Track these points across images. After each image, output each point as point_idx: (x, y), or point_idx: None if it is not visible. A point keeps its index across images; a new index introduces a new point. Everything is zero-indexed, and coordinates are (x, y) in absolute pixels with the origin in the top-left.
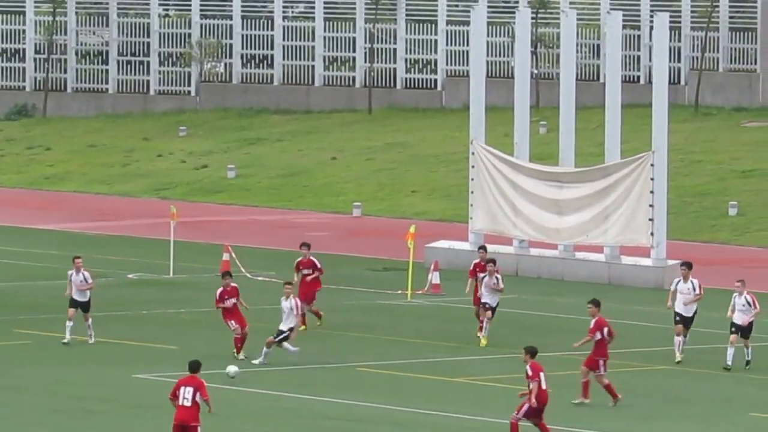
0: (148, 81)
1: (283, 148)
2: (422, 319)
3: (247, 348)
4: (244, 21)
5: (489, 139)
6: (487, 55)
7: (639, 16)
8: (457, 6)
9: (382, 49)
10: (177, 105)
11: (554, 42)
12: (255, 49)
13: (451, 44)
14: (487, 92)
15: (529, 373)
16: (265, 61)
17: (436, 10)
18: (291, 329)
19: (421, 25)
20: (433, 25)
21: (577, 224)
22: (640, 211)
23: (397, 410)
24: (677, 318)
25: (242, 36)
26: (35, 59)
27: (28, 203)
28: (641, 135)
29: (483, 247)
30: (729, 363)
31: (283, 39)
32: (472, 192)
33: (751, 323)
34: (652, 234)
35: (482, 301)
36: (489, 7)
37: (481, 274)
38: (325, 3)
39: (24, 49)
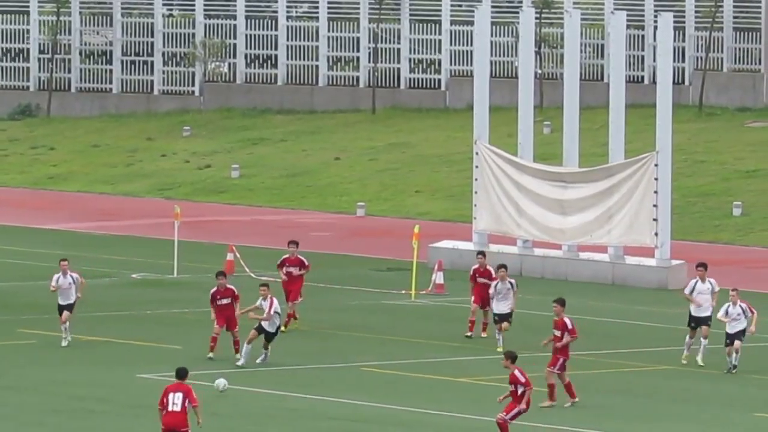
0: (151, 81)
1: (287, 148)
2: (426, 319)
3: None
4: (248, 21)
5: (492, 139)
6: (491, 55)
7: (643, 16)
8: (460, 6)
9: (385, 49)
10: (181, 105)
11: (558, 42)
12: (259, 49)
13: (455, 44)
14: (490, 92)
15: (522, 379)
16: (269, 61)
17: (439, 10)
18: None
19: (424, 25)
20: (437, 25)
21: (581, 224)
22: (644, 212)
23: (401, 410)
24: (692, 324)
25: (246, 36)
26: (39, 59)
27: (31, 203)
28: (645, 135)
29: (482, 253)
30: (734, 365)
31: (287, 39)
32: (475, 192)
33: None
34: (656, 234)
35: (494, 312)
36: (493, 7)
37: (481, 279)
38: (328, 3)
39: (28, 49)
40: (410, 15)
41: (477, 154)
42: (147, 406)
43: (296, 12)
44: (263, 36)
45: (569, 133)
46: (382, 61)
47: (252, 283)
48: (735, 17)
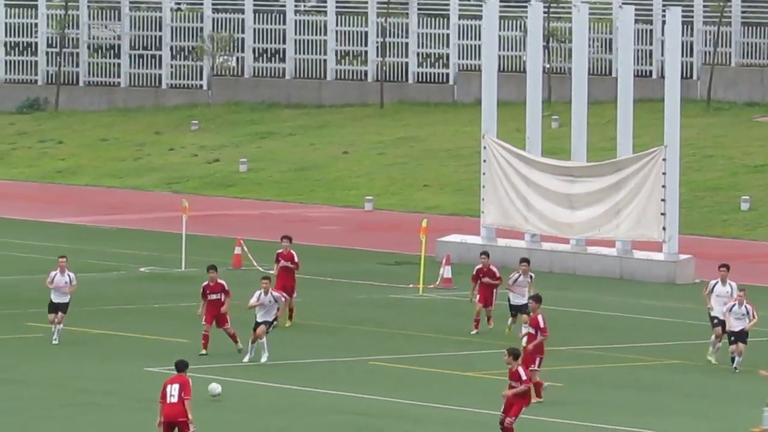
0: (159, 75)
1: (295, 143)
2: (433, 313)
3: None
4: (256, 15)
5: (500, 134)
6: (499, 50)
7: (651, 10)
8: (469, 0)
9: (394, 43)
10: (189, 99)
11: (566, 36)
12: (267, 43)
13: (463, 38)
14: (498, 87)
15: (523, 377)
16: (277, 55)
17: (448, 5)
18: (270, 322)
19: (433, 19)
20: (445, 20)
21: (589, 219)
22: (652, 206)
23: (409, 404)
24: (715, 321)
25: (254, 30)
26: (47, 53)
27: (39, 197)
28: (653, 130)
29: (485, 253)
30: (735, 368)
31: (295, 33)
32: (483, 186)
33: (746, 332)
34: (664, 228)
35: (512, 303)
36: (501, 1)
37: (485, 279)
38: None
39: (36, 43)
40: (418, 9)
41: (485, 148)
42: (155, 399)
43: (304, 6)
44: (271, 30)
45: (577, 128)
46: (390, 56)
47: (259, 277)
48: (743, 12)
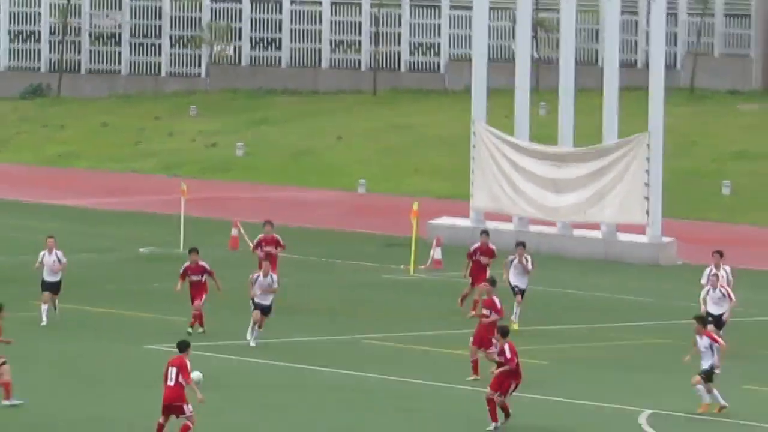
0: (159, 63)
1: (290, 129)
2: (424, 293)
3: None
4: (253, 5)
5: (490, 121)
6: (489, 39)
7: (637, 1)
8: None
9: (386, 32)
10: (187, 86)
11: (554, 27)
12: (263, 32)
13: (454, 28)
14: (488, 75)
15: (508, 355)
16: (273, 44)
17: None
18: (269, 307)
19: (425, 9)
20: (437, 10)
21: (575, 203)
22: (636, 191)
23: (400, 381)
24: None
25: (251, 19)
26: (50, 41)
27: (42, 180)
28: (638, 117)
29: (486, 232)
30: None
31: (291, 23)
32: (473, 171)
33: (724, 316)
34: (647, 212)
35: (513, 284)
36: None
37: (483, 258)
38: None
39: (39, 31)
40: (411, 0)
41: (475, 134)
42: (155, 376)
43: None
44: (268, 19)
45: (564, 115)
46: (383, 45)
47: (255, 258)
48: (726, 3)
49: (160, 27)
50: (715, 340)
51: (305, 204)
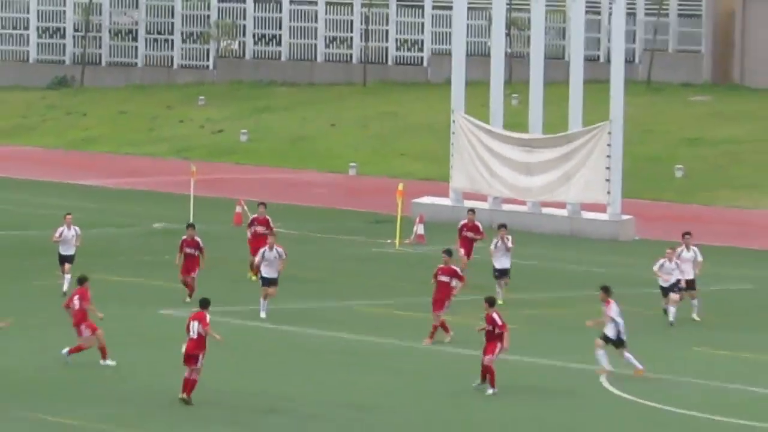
0: (172, 56)
1: (289, 116)
2: (409, 265)
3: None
4: (256, 4)
5: (468, 110)
6: (467, 36)
7: (599, 3)
8: None
9: (375, 30)
10: (197, 78)
11: (525, 25)
12: (265, 29)
13: (436, 26)
14: (466, 68)
15: (498, 322)
16: (274, 40)
17: None
18: (275, 279)
19: (410, 9)
20: (421, 10)
21: (544, 184)
22: (598, 173)
23: (388, 343)
24: (685, 284)
25: (254, 18)
26: (74, 36)
27: (66, 162)
28: (600, 107)
29: (472, 210)
30: (672, 320)
31: (290, 20)
32: (452, 155)
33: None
34: (608, 193)
35: (497, 268)
36: None
37: (468, 233)
38: None
39: (64, 28)
40: (397, 1)
41: (454, 122)
42: (169, 338)
43: None
44: (269, 18)
45: (534, 105)
46: (372, 41)
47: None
48: (680, 5)
49: (172, 24)
50: (615, 311)
51: (302, 184)
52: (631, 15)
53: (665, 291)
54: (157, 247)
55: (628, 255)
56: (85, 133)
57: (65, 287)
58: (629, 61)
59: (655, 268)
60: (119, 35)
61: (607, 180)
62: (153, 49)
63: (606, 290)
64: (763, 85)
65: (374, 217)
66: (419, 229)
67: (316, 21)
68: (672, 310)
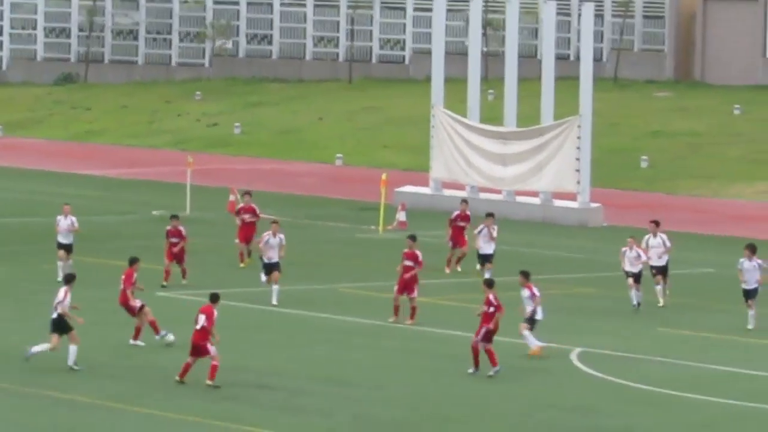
0: (170, 55)
1: (280, 111)
2: (391, 249)
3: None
4: (249, 6)
5: (447, 104)
6: (446, 36)
7: (569, 5)
8: None
9: (360, 30)
10: (194, 74)
11: (501, 25)
12: (257, 29)
13: (417, 27)
14: (445, 66)
15: (494, 302)
16: (266, 39)
17: None
18: (277, 264)
19: (393, 11)
20: (403, 11)
21: (518, 174)
22: (569, 164)
23: (370, 323)
24: (653, 270)
25: (247, 18)
26: (78, 36)
27: (71, 153)
28: (570, 102)
29: (465, 200)
30: (638, 303)
31: (281, 21)
32: (432, 147)
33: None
34: (578, 182)
35: (481, 253)
36: None
37: (461, 223)
38: None
39: (70, 28)
40: (381, 3)
41: (434, 116)
42: (168, 319)
43: None
44: (261, 19)
45: (509, 100)
46: (357, 40)
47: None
48: (644, 7)
49: (170, 25)
50: (534, 294)
51: (291, 174)
52: (599, 16)
53: (628, 275)
54: (156, 233)
55: (597, 240)
56: (89, 126)
57: (60, 275)
58: (597, 59)
59: (620, 256)
60: (121, 35)
61: (577, 170)
62: (152, 48)
63: (524, 274)
64: (722, 82)
65: (359, 205)
66: (401, 216)
67: (304, 22)
68: (635, 294)
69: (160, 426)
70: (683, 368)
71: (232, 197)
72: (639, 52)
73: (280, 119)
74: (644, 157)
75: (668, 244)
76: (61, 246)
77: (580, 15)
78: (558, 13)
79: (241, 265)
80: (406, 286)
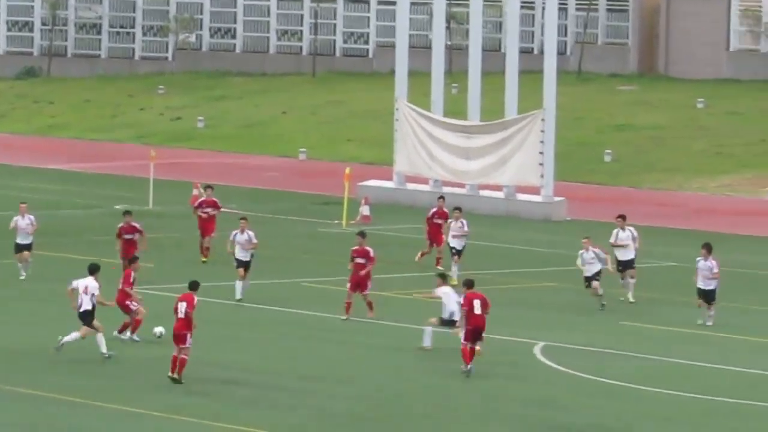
0: (133, 48)
1: (244, 104)
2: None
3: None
4: (212, 0)
5: (410, 98)
6: (410, 29)
7: None
8: None
9: (324, 24)
10: (157, 68)
11: (465, 19)
12: (221, 23)
13: (381, 20)
14: (409, 59)
15: (461, 302)
16: (229, 33)
17: None
18: (248, 262)
19: (356, 4)
20: (366, 5)
21: (481, 168)
22: (532, 157)
23: (334, 318)
24: (620, 267)
25: (210, 12)
26: (41, 30)
27: (34, 147)
28: (534, 96)
29: (442, 197)
30: (601, 305)
31: (244, 15)
32: (396, 141)
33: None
34: (541, 176)
35: (452, 246)
36: None
37: (438, 220)
38: None
39: (32, 22)
40: None
41: (397, 109)
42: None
43: None
44: (225, 12)
45: (473, 94)
46: (321, 34)
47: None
48: (608, 0)
49: (134, 18)
50: (435, 296)
51: (255, 168)
52: (563, 10)
53: (587, 280)
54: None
55: (560, 234)
56: (52, 120)
57: (23, 275)
58: (561, 53)
59: (578, 263)
60: (84, 28)
61: (541, 164)
62: (116, 42)
63: (441, 276)
64: (685, 76)
65: (323, 199)
66: (365, 210)
67: (268, 15)
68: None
69: (122, 420)
70: (646, 362)
71: (195, 191)
72: (603, 45)
73: (243, 113)
74: (608, 151)
75: (636, 234)
76: (21, 248)
77: (544, 8)
78: (522, 7)
79: (203, 259)
80: (360, 283)
